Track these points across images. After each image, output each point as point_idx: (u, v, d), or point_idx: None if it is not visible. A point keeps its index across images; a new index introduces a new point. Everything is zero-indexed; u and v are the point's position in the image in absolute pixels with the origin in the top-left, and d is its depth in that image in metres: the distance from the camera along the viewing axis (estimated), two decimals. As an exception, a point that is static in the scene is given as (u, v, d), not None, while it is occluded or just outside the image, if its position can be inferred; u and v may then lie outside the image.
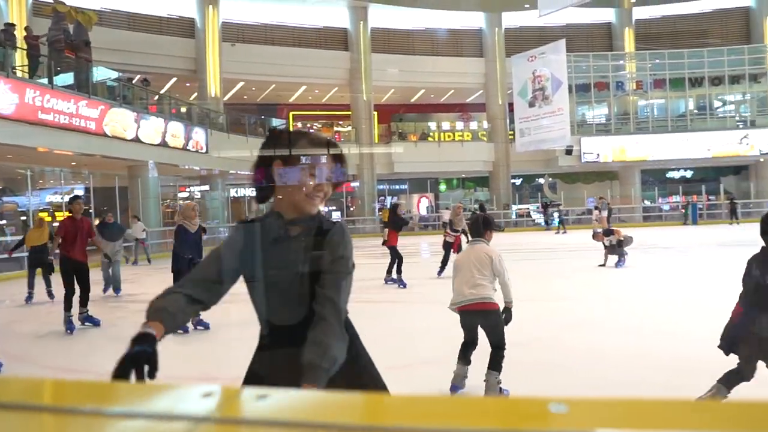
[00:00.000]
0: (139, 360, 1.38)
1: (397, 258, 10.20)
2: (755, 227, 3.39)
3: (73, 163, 19.58)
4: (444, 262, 10.83)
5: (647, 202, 33.08)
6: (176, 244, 7.18)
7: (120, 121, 17.64)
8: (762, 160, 30.74)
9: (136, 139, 18.44)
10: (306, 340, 1.58)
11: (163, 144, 19.88)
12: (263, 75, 29.05)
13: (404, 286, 9.99)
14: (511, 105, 31.31)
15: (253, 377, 1.78)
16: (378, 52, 31.09)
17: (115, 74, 20.18)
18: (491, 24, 32.40)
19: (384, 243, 10.67)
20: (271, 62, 28.38)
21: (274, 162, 1.71)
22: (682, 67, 30.76)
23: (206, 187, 27.83)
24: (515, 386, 4.24)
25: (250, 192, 32.55)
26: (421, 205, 36.18)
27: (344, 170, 1.78)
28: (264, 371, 1.77)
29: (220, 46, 27.04)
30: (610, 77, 31.20)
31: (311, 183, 1.70)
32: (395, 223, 10.50)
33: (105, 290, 10.57)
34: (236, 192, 32.37)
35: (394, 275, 10.25)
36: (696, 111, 31.81)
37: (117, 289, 10.57)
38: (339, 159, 1.77)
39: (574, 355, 4.99)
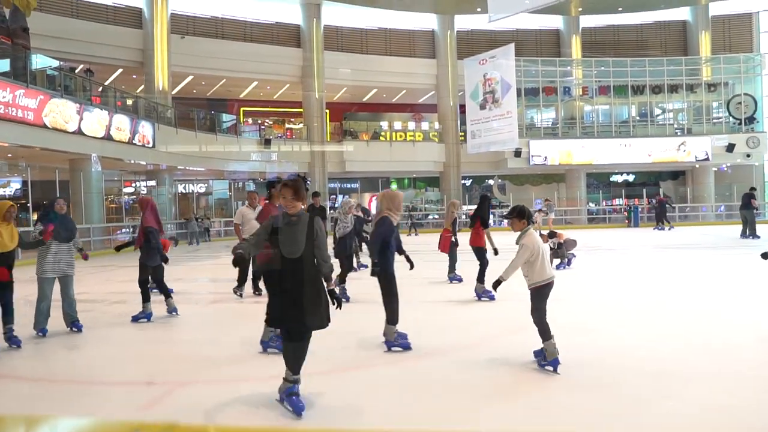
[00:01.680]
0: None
1: (485, 263, 8.36)
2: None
3: (9, 155, 18.70)
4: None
5: (592, 205, 34.17)
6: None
7: (61, 112, 16.93)
8: (698, 166, 32.23)
9: (79, 132, 17.74)
10: (300, 262, 3.93)
11: (108, 137, 19.22)
12: (213, 69, 28.49)
13: (493, 296, 8.01)
14: (462, 107, 31.76)
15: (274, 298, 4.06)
16: (331, 50, 30.97)
17: (55, 63, 19.36)
18: (444, 26, 32.77)
19: (449, 245, 8.92)
20: (222, 57, 27.88)
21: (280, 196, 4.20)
22: (625, 75, 31.90)
23: (153, 183, 27.11)
24: (464, 380, 4.34)
25: (198, 188, 32.00)
26: (372, 204, 36.24)
27: (300, 193, 4.02)
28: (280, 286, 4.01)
29: (169, 38, 26.33)
30: (558, 82, 32.06)
31: (285, 202, 4.06)
32: (481, 218, 8.57)
33: (42, 331, 6.51)
34: (184, 188, 31.64)
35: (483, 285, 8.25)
36: (638, 118, 33.05)
37: (76, 323, 6.81)
38: (296, 188, 4.02)
39: (521, 355, 5.13)
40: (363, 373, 4.95)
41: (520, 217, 4.88)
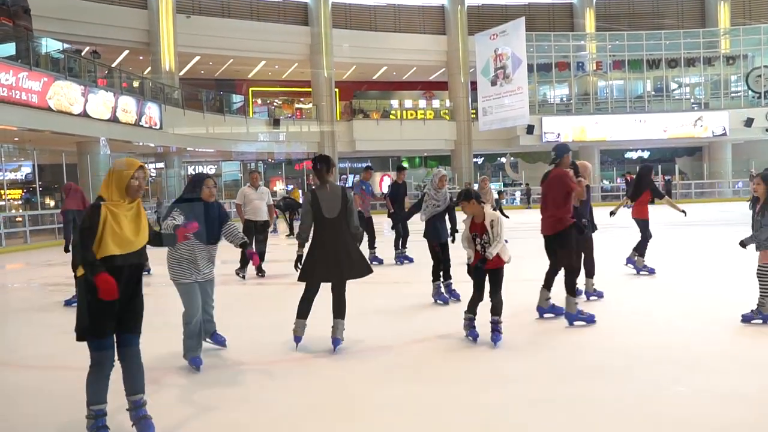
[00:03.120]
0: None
1: (648, 236, 8.13)
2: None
3: (15, 139, 18.67)
4: None
5: (606, 182, 33.64)
6: None
7: (66, 94, 16.82)
8: (715, 141, 31.50)
9: (84, 114, 17.64)
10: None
11: (114, 119, 19.11)
12: (220, 49, 28.18)
13: (653, 270, 8.11)
14: (473, 83, 31.24)
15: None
16: (339, 28, 30.49)
17: (61, 46, 19.12)
18: (454, 1, 32.08)
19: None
20: (229, 36, 27.50)
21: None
22: (640, 49, 31.11)
23: (161, 165, 27.08)
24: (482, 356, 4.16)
25: (208, 170, 31.88)
26: (383, 183, 35.98)
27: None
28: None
29: (175, 17, 26.03)
30: (571, 57, 31.36)
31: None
32: (653, 190, 8.26)
33: (195, 362, 4.53)
34: (194, 169, 31.54)
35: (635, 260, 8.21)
36: (653, 93, 32.31)
37: (215, 334, 5.12)
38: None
39: (525, 334, 4.94)
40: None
41: (467, 198, 4.70)
